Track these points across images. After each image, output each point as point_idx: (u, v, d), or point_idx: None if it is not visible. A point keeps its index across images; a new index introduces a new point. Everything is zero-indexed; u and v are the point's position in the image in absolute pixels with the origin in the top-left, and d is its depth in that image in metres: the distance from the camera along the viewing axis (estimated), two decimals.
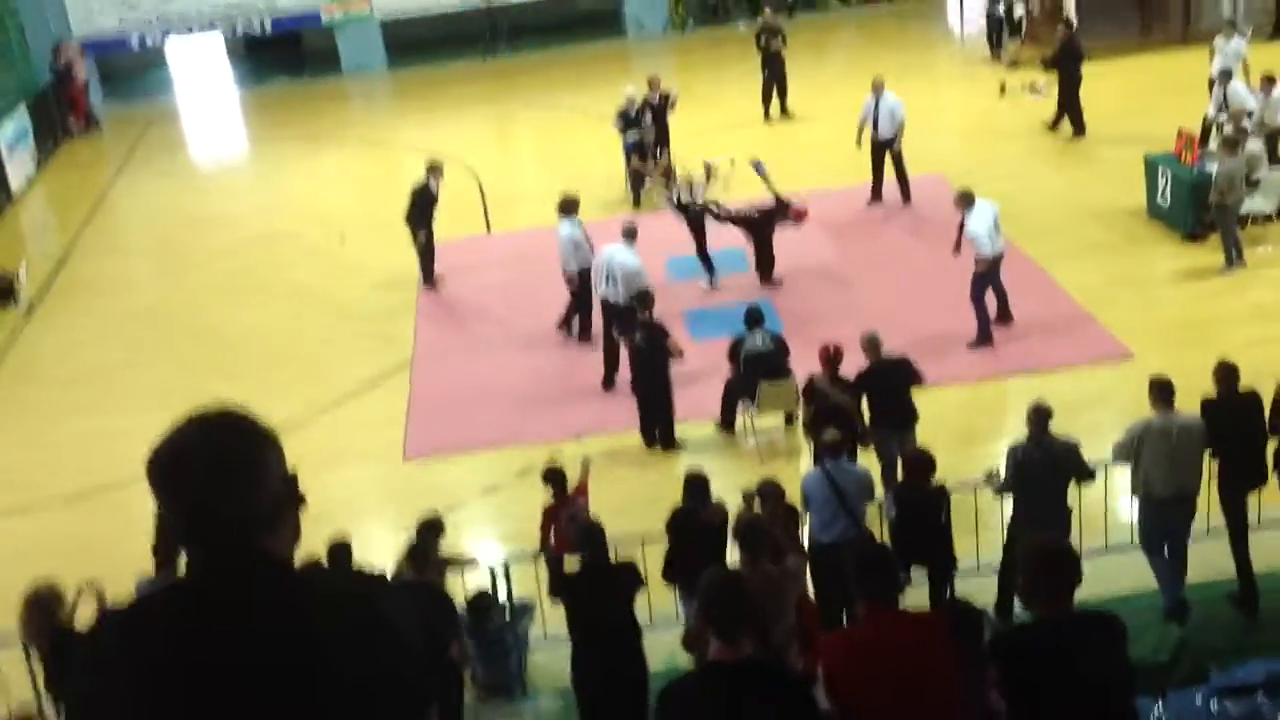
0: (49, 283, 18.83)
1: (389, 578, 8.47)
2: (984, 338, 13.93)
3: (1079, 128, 19.94)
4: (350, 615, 2.33)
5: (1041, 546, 5.42)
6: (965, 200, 13.92)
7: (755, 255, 15.97)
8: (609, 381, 13.75)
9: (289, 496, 2.47)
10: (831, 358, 11.16)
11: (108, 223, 21.66)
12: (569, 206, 14.75)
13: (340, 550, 8.55)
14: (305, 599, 2.36)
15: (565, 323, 15.02)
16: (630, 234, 14.03)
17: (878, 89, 17.87)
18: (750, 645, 4.90)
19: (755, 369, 12.32)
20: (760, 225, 15.98)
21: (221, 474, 2.35)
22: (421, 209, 16.52)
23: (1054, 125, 20.16)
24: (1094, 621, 5.21)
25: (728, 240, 16.17)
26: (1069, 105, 19.99)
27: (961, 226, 13.99)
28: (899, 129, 17.76)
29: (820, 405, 10.95)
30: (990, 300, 14.01)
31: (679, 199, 16.68)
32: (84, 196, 22.64)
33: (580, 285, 14.52)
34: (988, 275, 13.87)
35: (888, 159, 17.98)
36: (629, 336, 12.65)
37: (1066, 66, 19.94)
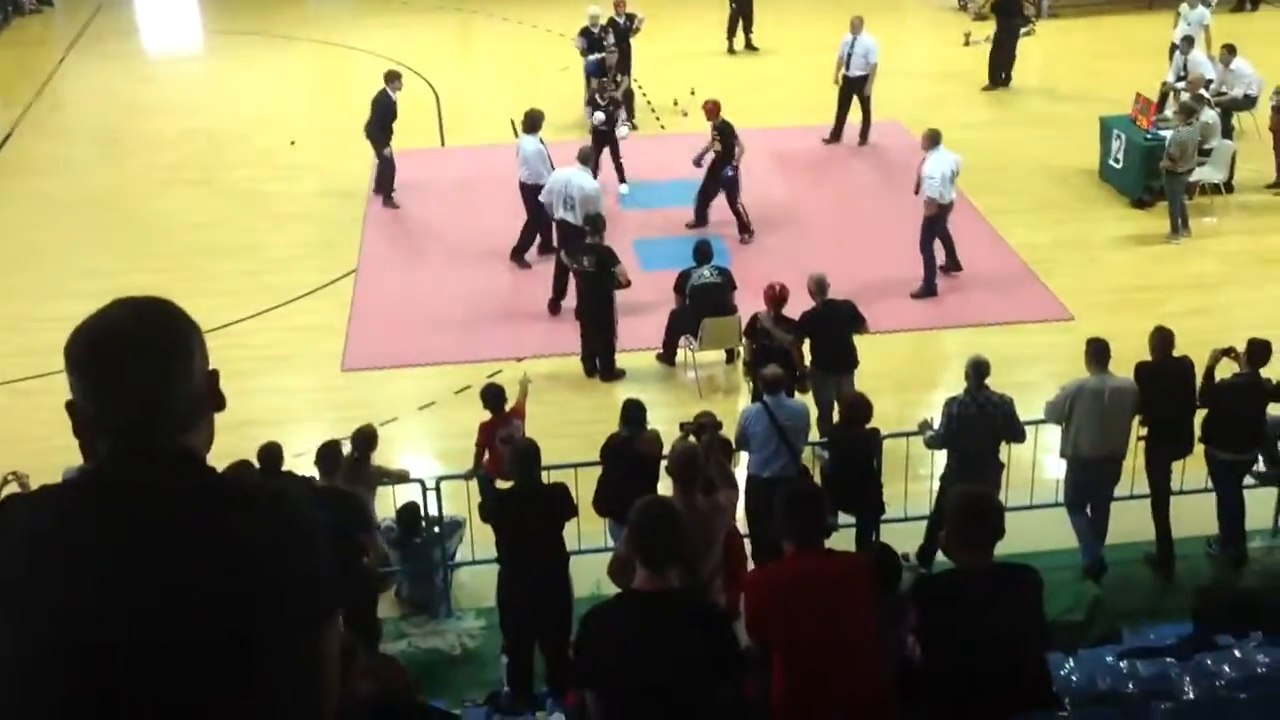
0: None
1: (309, 482, 8.47)
2: (929, 288, 14.02)
3: (995, 80, 20.27)
4: (262, 512, 2.29)
5: (967, 495, 5.52)
6: (931, 140, 13.95)
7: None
8: (555, 306, 13.72)
9: (209, 395, 2.40)
10: (777, 297, 11.19)
11: (53, 103, 21.20)
12: (534, 122, 14.64)
13: (270, 455, 8.51)
14: (218, 493, 2.30)
15: (520, 252, 14.86)
16: (585, 158, 13.94)
17: (855, 28, 17.81)
18: (676, 577, 4.94)
19: (701, 303, 12.32)
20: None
21: (146, 360, 2.28)
22: (382, 121, 16.11)
23: (991, 85, 20.28)
24: (1011, 573, 5.32)
25: (685, 173, 16.07)
26: (996, 55, 20.12)
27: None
28: (871, 70, 17.73)
29: (762, 344, 11.01)
30: (938, 250, 14.09)
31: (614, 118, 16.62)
32: (31, 75, 22.13)
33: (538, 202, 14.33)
34: (935, 222, 13.92)
35: (854, 101, 17.97)
36: (577, 259, 12.60)
37: (1002, 18, 20.05)
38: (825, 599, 5.27)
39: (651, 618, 4.76)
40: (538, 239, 14.78)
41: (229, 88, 21.71)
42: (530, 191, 14.47)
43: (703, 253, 12.54)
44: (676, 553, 4.91)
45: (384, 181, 16.54)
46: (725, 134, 15.16)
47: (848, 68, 17.88)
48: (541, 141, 14.57)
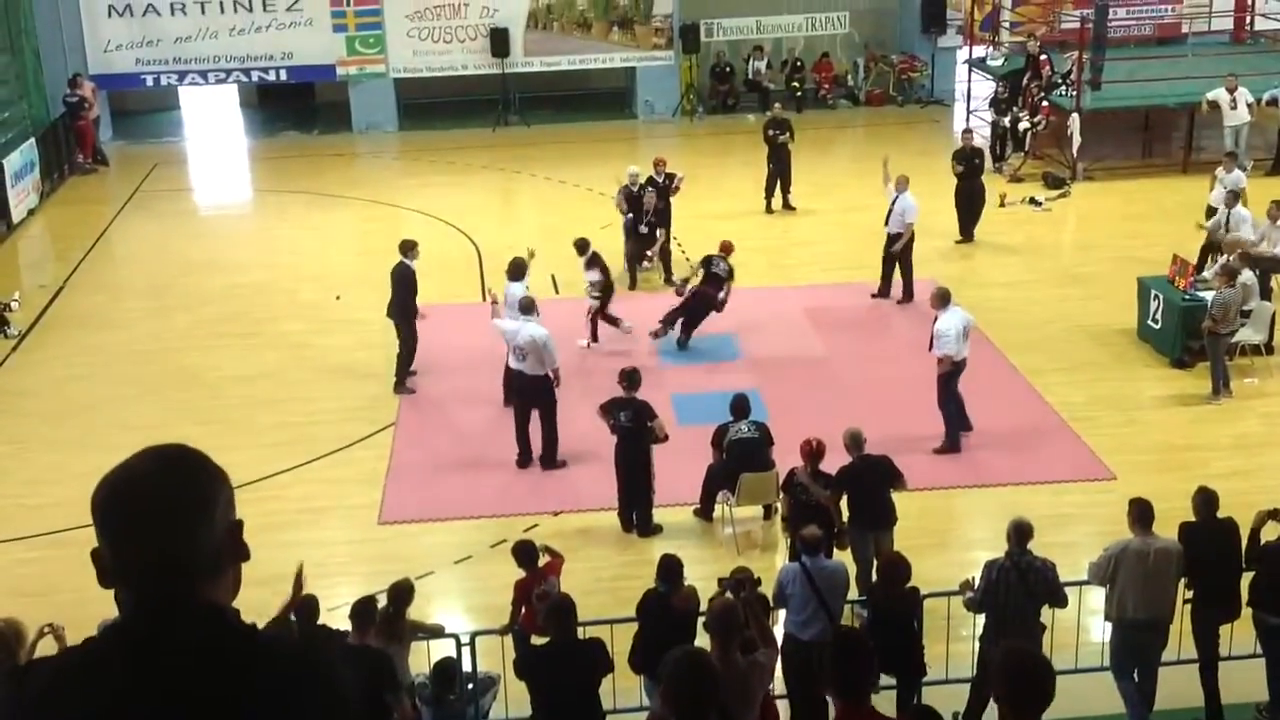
0: (41, 314, 18.81)
1: (340, 637, 8.42)
2: (953, 444, 14.02)
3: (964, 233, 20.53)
4: (287, 669, 2.28)
5: (1016, 655, 5.28)
6: (941, 299, 14.06)
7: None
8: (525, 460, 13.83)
9: (233, 546, 2.38)
10: (814, 452, 11.17)
11: (105, 259, 21.68)
12: (519, 270, 15.19)
13: (307, 609, 8.48)
14: (241, 650, 2.28)
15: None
16: (527, 308, 13.98)
17: (900, 186, 18.07)
18: None
19: (739, 458, 12.31)
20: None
21: (165, 510, 2.27)
22: (405, 295, 15.53)
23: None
24: None
25: (723, 326, 16.23)
26: (961, 209, 20.42)
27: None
28: (908, 230, 17.95)
29: (799, 499, 10.95)
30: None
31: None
32: (84, 231, 22.68)
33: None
34: (952, 379, 13.96)
35: (901, 253, 18.14)
36: (614, 415, 12.65)
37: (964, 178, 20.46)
38: None
39: None
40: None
41: (277, 243, 22.18)
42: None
43: (740, 408, 12.57)
44: (712, 704, 4.80)
45: (402, 364, 15.91)
46: (707, 267, 16.55)
47: (887, 224, 18.11)
48: (527, 288, 14.87)
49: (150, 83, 28.67)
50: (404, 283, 15.52)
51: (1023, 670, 4.98)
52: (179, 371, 16.68)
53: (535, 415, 13.80)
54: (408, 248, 15.76)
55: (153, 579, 2.26)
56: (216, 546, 2.32)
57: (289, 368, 16.72)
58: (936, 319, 13.97)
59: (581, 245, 16.87)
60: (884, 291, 18.36)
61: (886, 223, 18.09)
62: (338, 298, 18.82)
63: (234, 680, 2.21)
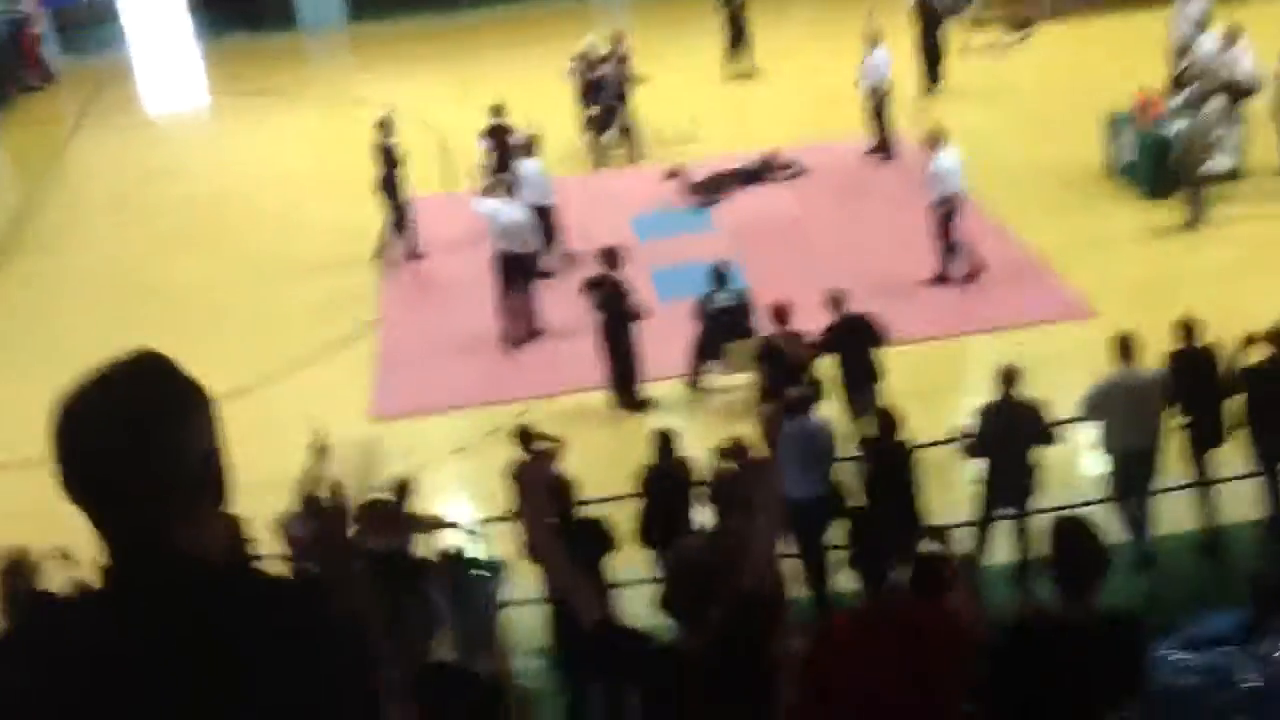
0: (3, 237, 18.57)
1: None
2: (947, 275, 14.22)
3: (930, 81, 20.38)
4: (286, 623, 2.00)
5: (1069, 530, 5.10)
6: (935, 139, 14.13)
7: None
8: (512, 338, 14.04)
9: (212, 476, 2.03)
10: (782, 313, 11.25)
11: (63, 177, 21.37)
12: (530, 147, 15.24)
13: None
14: (231, 601, 1.98)
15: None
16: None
17: (872, 41, 17.85)
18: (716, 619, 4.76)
19: (720, 326, 12.34)
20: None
21: (122, 434, 1.92)
22: (390, 169, 16.17)
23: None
24: (1114, 626, 4.96)
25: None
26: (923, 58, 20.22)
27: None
28: (875, 83, 17.78)
29: (776, 366, 11.01)
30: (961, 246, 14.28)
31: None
32: (39, 151, 22.32)
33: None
34: (949, 217, 14.06)
35: (876, 109, 18.03)
36: (594, 294, 12.64)
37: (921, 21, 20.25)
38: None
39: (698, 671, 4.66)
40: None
41: (234, 148, 21.87)
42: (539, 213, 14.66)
43: (720, 276, 12.56)
44: (709, 601, 4.76)
45: (403, 231, 16.45)
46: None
47: (862, 81, 17.96)
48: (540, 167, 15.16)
49: None
50: (386, 156, 16.12)
51: (1072, 541, 4.92)
52: (144, 286, 16.52)
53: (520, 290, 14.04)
54: (384, 123, 16.32)
55: (113, 518, 1.96)
56: (189, 477, 1.97)
57: (258, 275, 16.56)
58: (933, 159, 14.02)
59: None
60: (881, 147, 18.23)
61: (860, 82, 17.91)
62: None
63: (217, 634, 1.93)
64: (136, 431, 1.92)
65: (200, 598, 1.95)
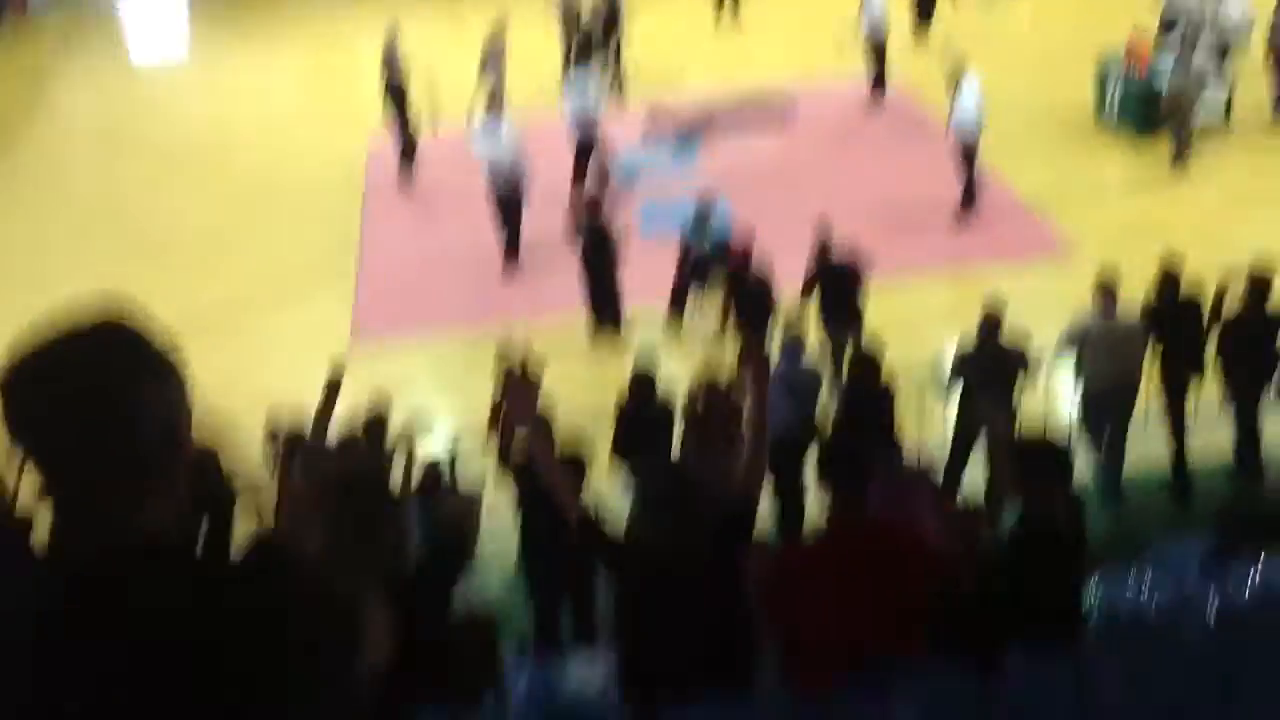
0: None
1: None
2: (969, 201, 14.38)
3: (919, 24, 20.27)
4: (251, 607, 1.85)
5: (1032, 443, 5.24)
6: (960, 71, 14.22)
7: None
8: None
9: (170, 449, 1.88)
10: (744, 253, 11.45)
11: (46, 110, 21.19)
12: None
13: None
14: (191, 587, 1.84)
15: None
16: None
17: None
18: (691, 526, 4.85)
19: (701, 264, 12.35)
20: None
21: (76, 400, 1.80)
22: (395, 78, 16.33)
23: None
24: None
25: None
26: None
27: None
28: (873, 25, 17.71)
29: (739, 295, 11.24)
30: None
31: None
32: (22, 82, 22.12)
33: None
34: (974, 149, 14.25)
35: (874, 51, 17.97)
36: (578, 218, 12.68)
37: None
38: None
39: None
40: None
41: (220, 83, 21.67)
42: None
43: (703, 214, 12.56)
44: (694, 513, 4.82)
45: (406, 146, 16.62)
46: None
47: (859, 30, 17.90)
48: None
49: None
50: (387, 62, 16.39)
51: (1036, 456, 5.00)
52: (129, 217, 16.43)
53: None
54: (390, 31, 16.61)
55: (60, 486, 1.84)
56: (146, 447, 1.84)
57: (244, 206, 16.50)
58: (957, 93, 14.13)
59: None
60: (877, 88, 18.15)
61: (858, 23, 17.85)
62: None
63: (169, 622, 1.80)
64: (90, 391, 1.80)
65: (140, 580, 1.82)
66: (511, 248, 14.29)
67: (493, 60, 16.81)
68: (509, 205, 14.08)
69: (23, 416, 1.81)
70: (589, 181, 12.82)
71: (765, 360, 5.31)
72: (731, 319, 11.52)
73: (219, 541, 1.93)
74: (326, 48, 22.86)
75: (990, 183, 15.17)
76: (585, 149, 15.35)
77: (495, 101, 14.95)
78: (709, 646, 4.74)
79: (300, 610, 1.89)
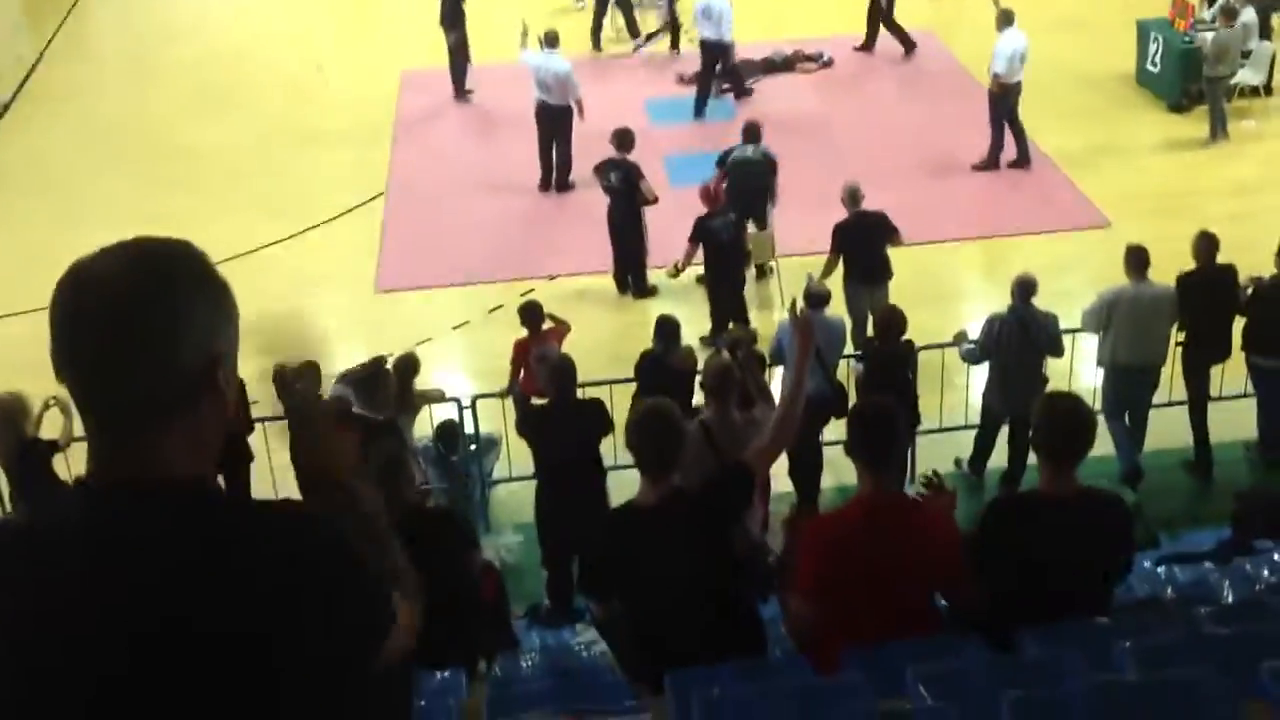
0: (19, 87, 18.41)
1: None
2: (993, 161, 14.43)
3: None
4: (288, 561, 1.79)
5: (1057, 406, 4.95)
6: (1005, 19, 14.24)
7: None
8: (545, 183, 14.60)
9: (212, 385, 1.81)
10: (712, 196, 11.58)
11: (80, 29, 21.11)
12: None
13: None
14: (225, 533, 1.78)
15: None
16: (552, 41, 14.39)
17: None
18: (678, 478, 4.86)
19: (740, 179, 12.22)
20: None
21: (119, 329, 1.74)
22: (452, 4, 16.36)
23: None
24: (1099, 503, 4.90)
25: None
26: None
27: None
28: None
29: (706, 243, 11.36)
30: (1009, 143, 14.48)
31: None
32: (52, 7, 22.00)
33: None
34: (1003, 100, 14.17)
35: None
36: (604, 176, 12.52)
37: None
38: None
39: (658, 527, 4.75)
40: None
41: (253, 9, 21.53)
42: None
43: (750, 133, 12.49)
44: (673, 455, 4.82)
45: (457, 73, 16.76)
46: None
47: None
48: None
49: None
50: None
51: (1059, 418, 4.82)
52: (162, 143, 16.37)
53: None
54: None
55: (104, 417, 1.80)
56: (187, 371, 1.78)
57: (273, 138, 16.42)
58: (997, 42, 14.18)
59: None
60: (869, 44, 18.00)
61: None
62: (319, 68, 18.31)
63: (205, 569, 1.73)
64: (141, 303, 1.75)
65: (169, 519, 1.76)
66: (563, 166, 14.55)
67: None
68: (558, 120, 14.28)
69: (64, 319, 1.77)
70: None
71: (809, 320, 5.27)
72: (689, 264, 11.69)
73: (235, 478, 1.88)
74: None
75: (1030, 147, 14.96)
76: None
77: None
78: (705, 610, 4.81)
79: (320, 591, 1.80)
